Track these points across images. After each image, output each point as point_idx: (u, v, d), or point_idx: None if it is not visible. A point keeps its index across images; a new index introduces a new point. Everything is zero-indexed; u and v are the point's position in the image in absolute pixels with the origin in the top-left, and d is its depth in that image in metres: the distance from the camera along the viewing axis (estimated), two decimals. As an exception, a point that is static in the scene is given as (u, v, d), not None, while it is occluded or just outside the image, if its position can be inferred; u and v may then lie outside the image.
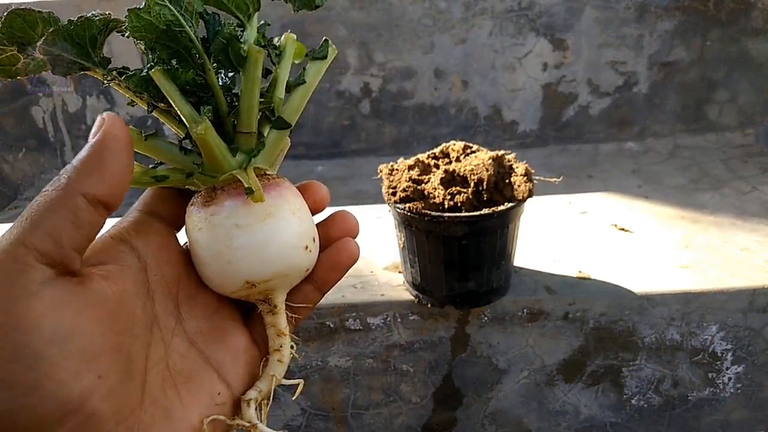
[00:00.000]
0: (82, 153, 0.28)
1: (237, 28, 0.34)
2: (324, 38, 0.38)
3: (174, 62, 0.33)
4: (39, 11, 0.31)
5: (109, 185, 0.28)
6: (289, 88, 0.36)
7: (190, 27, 0.32)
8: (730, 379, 0.94)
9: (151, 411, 0.29)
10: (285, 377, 0.34)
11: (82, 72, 0.33)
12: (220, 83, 0.34)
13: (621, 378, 0.94)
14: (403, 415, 0.97)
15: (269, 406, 0.34)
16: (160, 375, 0.30)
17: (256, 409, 0.33)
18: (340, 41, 1.74)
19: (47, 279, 0.26)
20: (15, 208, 1.71)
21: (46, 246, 0.26)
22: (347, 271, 0.36)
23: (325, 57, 0.37)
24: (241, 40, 0.34)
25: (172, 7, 0.31)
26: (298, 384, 0.35)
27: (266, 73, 0.36)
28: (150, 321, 0.31)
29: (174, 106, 0.33)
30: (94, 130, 0.29)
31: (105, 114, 0.30)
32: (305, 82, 0.36)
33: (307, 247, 0.34)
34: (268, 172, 0.35)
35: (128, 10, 0.31)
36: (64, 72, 0.33)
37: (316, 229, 0.35)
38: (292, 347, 0.35)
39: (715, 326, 0.90)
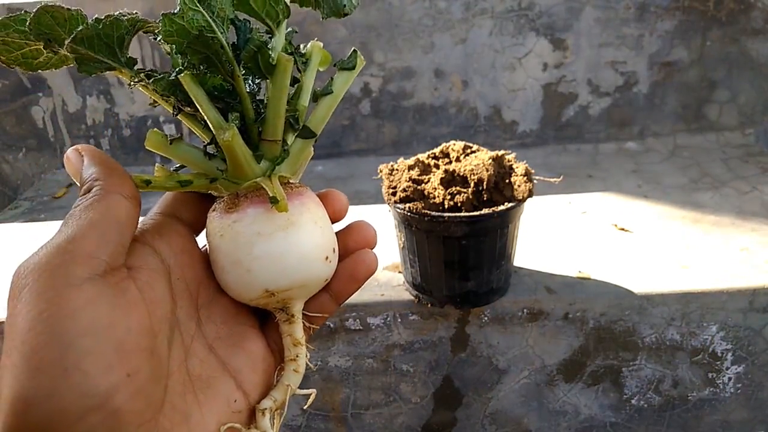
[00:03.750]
0: (92, 168, 0.30)
1: (265, 35, 0.34)
2: (353, 48, 0.38)
3: (203, 67, 0.33)
4: (68, 9, 0.32)
5: (128, 183, 0.30)
6: (316, 98, 0.36)
7: (221, 33, 0.32)
8: (730, 379, 0.94)
9: (170, 415, 0.29)
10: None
11: (107, 71, 0.33)
12: (248, 90, 0.34)
13: (621, 378, 0.94)
14: (403, 415, 0.97)
15: (283, 416, 0.33)
16: (181, 379, 0.30)
17: (270, 418, 0.33)
18: (340, 41, 1.74)
19: (91, 275, 0.26)
20: (15, 208, 1.70)
21: (95, 244, 0.27)
22: (365, 282, 0.36)
23: (353, 67, 0.37)
24: (269, 47, 0.34)
25: (205, 13, 0.31)
26: (310, 393, 0.35)
27: (293, 81, 0.36)
28: (173, 324, 0.31)
29: (201, 110, 0.33)
30: (87, 163, 0.31)
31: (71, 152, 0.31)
32: (332, 92, 0.36)
33: (327, 258, 0.33)
34: (291, 181, 0.35)
35: (162, 14, 0.31)
36: (90, 71, 0.33)
37: (336, 239, 0.35)
38: (306, 356, 0.35)
39: (715, 326, 0.90)
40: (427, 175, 0.83)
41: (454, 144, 0.87)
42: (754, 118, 1.77)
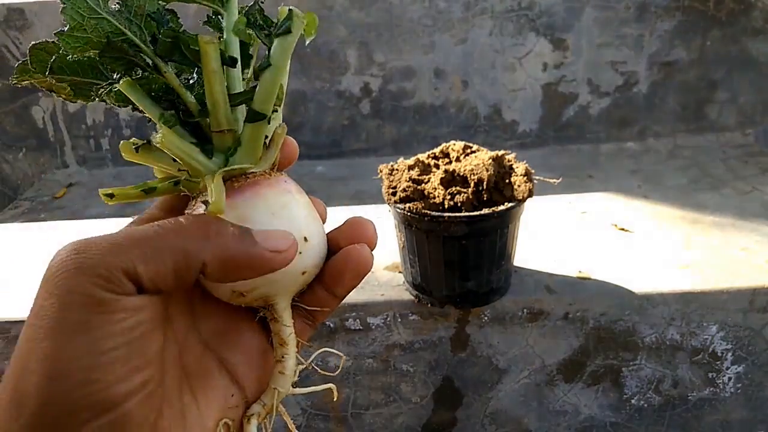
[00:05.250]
0: (250, 241, 0.29)
1: (215, 17, 0.33)
2: (288, 8, 0.32)
3: (138, 71, 0.32)
4: (54, 42, 0.31)
5: (226, 274, 0.28)
6: (257, 74, 0.33)
7: (133, 33, 0.30)
8: (730, 379, 0.94)
9: (168, 414, 0.28)
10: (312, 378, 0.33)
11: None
12: (191, 82, 0.33)
13: (621, 378, 0.94)
14: (403, 415, 0.97)
15: (273, 418, 0.32)
16: (177, 376, 0.30)
17: (260, 423, 0.32)
18: (340, 41, 1.74)
19: (130, 289, 0.26)
20: (15, 208, 1.70)
21: (133, 266, 0.26)
22: (359, 278, 0.34)
23: (288, 32, 0.32)
24: (221, 27, 0.32)
25: (110, 18, 0.30)
26: (307, 393, 0.34)
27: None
28: (167, 321, 0.31)
29: (148, 114, 0.32)
30: (276, 237, 0.30)
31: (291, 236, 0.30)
32: (271, 64, 0.32)
33: None
34: (252, 170, 0.33)
35: (56, 34, 0.29)
36: (87, 95, 0.32)
37: (313, 225, 0.33)
38: (316, 354, 0.33)
39: (715, 326, 0.90)
40: (427, 175, 0.83)
41: (454, 144, 0.87)
42: (754, 118, 1.78)
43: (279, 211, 0.31)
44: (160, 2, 0.32)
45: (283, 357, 0.32)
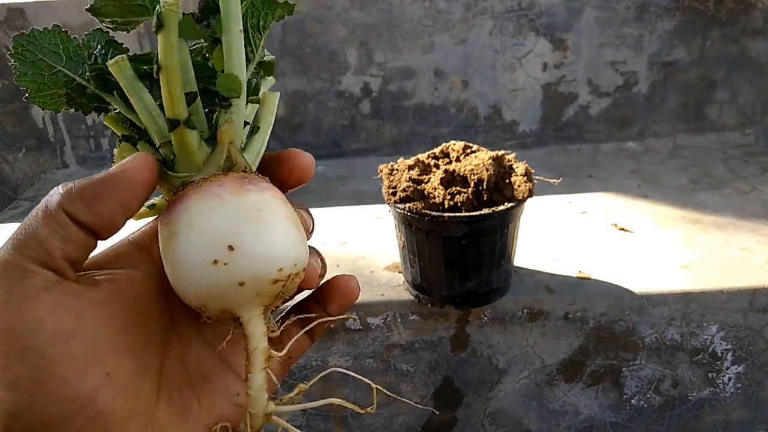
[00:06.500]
0: (90, 177, 0.28)
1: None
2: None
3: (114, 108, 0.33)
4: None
5: (96, 216, 0.27)
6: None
7: (83, 74, 0.32)
8: (730, 379, 0.94)
9: (166, 410, 0.29)
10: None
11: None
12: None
13: (621, 378, 0.94)
14: (403, 415, 0.97)
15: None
16: (177, 375, 0.31)
17: None
18: (340, 41, 1.74)
19: (48, 283, 0.26)
20: (15, 208, 1.70)
21: (39, 255, 0.26)
22: (346, 306, 0.34)
23: (161, 26, 0.28)
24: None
25: (64, 69, 0.31)
26: (316, 406, 0.33)
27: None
28: (166, 323, 0.31)
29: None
30: (120, 162, 0.29)
31: (138, 153, 0.29)
32: (160, 67, 0.29)
33: (216, 262, 0.28)
34: (192, 180, 0.31)
35: (26, 99, 0.31)
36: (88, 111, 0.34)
37: (248, 232, 0.29)
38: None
39: (715, 326, 0.90)
40: (427, 175, 0.83)
41: (454, 144, 0.87)
42: (754, 118, 1.77)
43: (196, 221, 0.28)
44: (109, 35, 0.33)
45: (248, 376, 0.29)
